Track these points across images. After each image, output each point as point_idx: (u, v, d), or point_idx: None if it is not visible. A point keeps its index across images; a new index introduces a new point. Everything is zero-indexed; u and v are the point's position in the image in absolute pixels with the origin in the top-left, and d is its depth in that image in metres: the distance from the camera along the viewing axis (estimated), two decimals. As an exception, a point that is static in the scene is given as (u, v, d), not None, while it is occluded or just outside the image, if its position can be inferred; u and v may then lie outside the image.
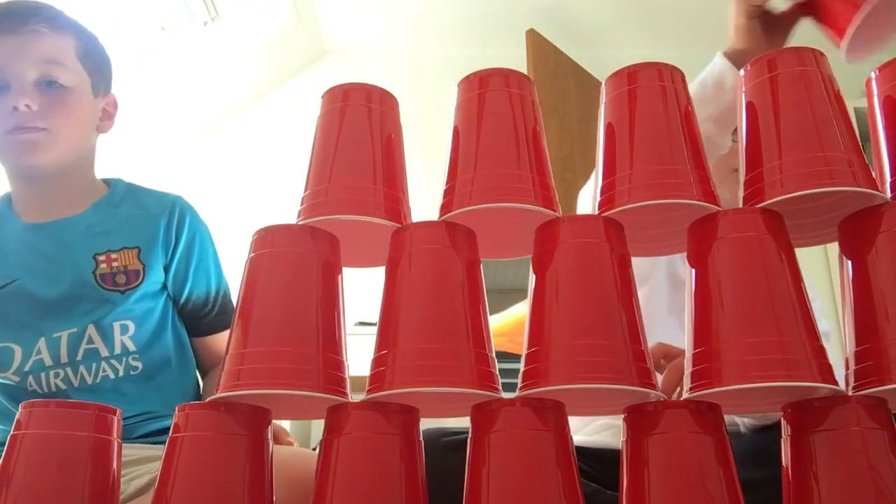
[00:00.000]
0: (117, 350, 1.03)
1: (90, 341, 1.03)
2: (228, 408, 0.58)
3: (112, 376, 1.03)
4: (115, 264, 1.05)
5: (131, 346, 1.04)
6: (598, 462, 0.96)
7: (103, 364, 1.02)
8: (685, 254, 0.62)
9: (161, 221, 1.09)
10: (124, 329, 1.04)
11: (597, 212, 0.62)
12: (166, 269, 1.09)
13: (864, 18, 0.81)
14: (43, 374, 1.01)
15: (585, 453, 0.94)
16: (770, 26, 0.93)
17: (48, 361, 1.01)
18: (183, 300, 1.11)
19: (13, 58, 1.00)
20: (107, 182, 1.15)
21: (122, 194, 1.12)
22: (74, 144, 1.06)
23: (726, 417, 0.57)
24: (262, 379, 0.56)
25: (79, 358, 1.02)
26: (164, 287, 1.10)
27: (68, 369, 1.02)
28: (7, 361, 1.02)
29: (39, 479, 0.57)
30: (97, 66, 1.10)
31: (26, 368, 1.01)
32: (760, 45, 0.92)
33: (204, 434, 0.58)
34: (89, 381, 1.02)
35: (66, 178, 1.08)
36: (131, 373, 1.04)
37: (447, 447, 0.85)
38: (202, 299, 1.12)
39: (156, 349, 1.07)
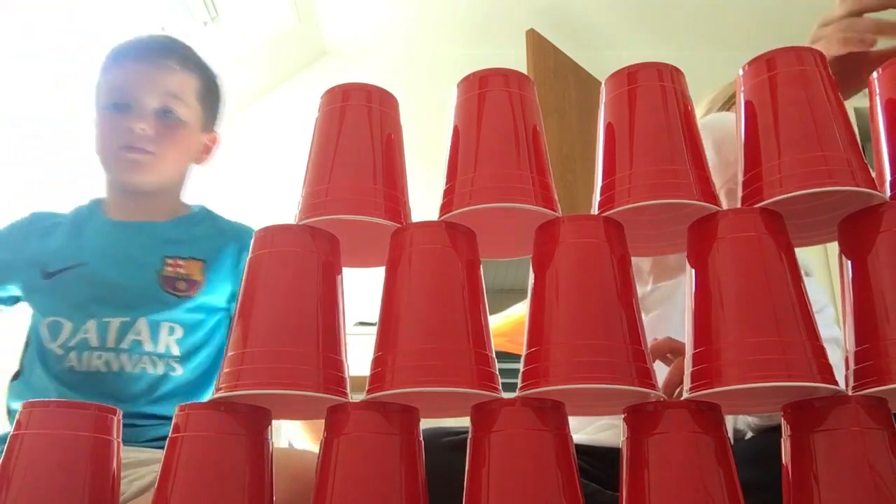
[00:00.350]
0: (161, 349, 1.09)
1: (138, 333, 1.08)
2: (228, 408, 0.58)
3: (151, 371, 1.08)
4: (179, 270, 1.13)
5: (175, 350, 1.10)
6: (598, 461, 0.96)
7: (145, 357, 1.08)
8: None
9: (231, 246, 1.16)
10: (172, 331, 1.10)
11: (597, 212, 0.62)
12: (235, 294, 1.15)
13: None
14: (86, 354, 1.07)
15: (586, 452, 0.94)
16: (856, 73, 0.86)
17: (94, 342, 1.07)
18: None
19: (142, 85, 1.12)
20: (191, 206, 1.24)
21: (202, 216, 1.23)
22: (174, 172, 1.17)
23: (729, 425, 0.57)
24: (261, 379, 0.56)
25: (123, 346, 1.08)
26: (227, 309, 1.16)
27: (111, 354, 1.07)
28: (55, 334, 1.09)
29: (39, 479, 0.57)
30: (212, 105, 1.21)
31: (71, 344, 1.08)
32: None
33: (204, 434, 0.58)
34: (128, 369, 1.07)
35: (157, 198, 1.18)
36: (170, 373, 1.09)
37: (447, 447, 0.85)
38: None
39: (198, 360, 1.12)
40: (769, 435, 0.94)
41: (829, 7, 0.91)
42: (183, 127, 1.15)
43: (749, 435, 1.00)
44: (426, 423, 0.63)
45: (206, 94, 1.19)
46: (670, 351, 0.83)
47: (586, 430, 1.07)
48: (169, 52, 1.15)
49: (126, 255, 1.13)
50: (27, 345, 1.14)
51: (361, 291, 1.12)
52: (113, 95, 1.12)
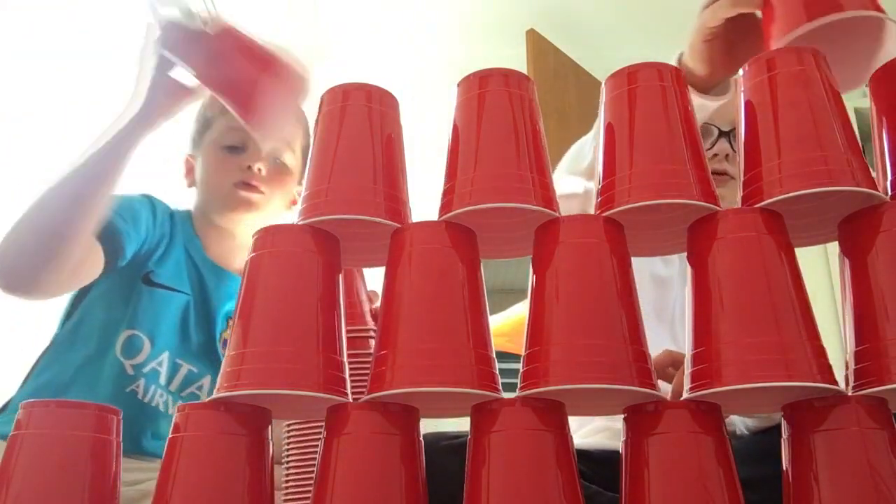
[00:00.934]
0: None
1: (200, 388, 1.12)
2: (228, 408, 0.58)
3: None
4: None
5: None
6: (594, 464, 0.95)
7: None
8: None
9: None
10: None
11: (596, 212, 0.62)
12: None
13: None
14: (153, 387, 1.10)
15: (581, 455, 0.94)
16: (733, 48, 0.86)
17: (163, 380, 1.11)
18: None
19: None
20: None
21: None
22: (273, 216, 1.18)
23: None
24: (261, 379, 0.56)
25: (183, 394, 1.12)
26: None
27: (170, 398, 1.11)
28: (132, 351, 1.09)
29: (39, 479, 0.57)
30: (307, 161, 1.24)
31: (145, 370, 1.10)
32: (715, 69, 0.87)
33: (204, 434, 0.58)
34: None
35: (240, 239, 1.17)
36: None
37: (447, 450, 0.85)
38: None
39: None
40: (765, 434, 0.94)
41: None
42: (287, 174, 1.18)
43: (745, 434, 1.00)
44: (426, 427, 0.63)
45: (307, 149, 1.20)
46: (671, 364, 0.83)
47: (581, 432, 1.07)
48: None
49: (213, 304, 1.16)
50: (72, 332, 1.10)
51: (361, 291, 1.12)
52: (231, 136, 1.14)
